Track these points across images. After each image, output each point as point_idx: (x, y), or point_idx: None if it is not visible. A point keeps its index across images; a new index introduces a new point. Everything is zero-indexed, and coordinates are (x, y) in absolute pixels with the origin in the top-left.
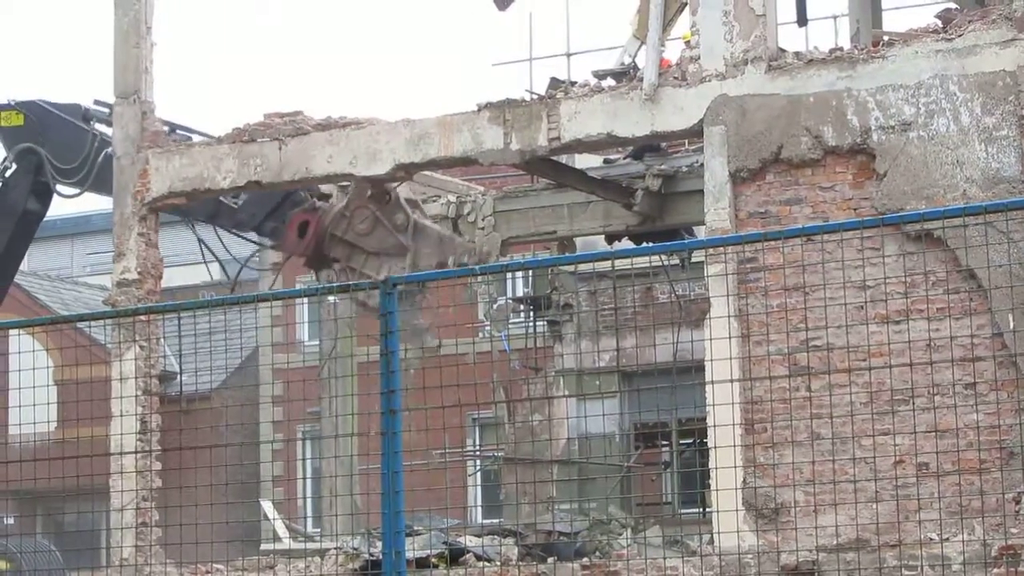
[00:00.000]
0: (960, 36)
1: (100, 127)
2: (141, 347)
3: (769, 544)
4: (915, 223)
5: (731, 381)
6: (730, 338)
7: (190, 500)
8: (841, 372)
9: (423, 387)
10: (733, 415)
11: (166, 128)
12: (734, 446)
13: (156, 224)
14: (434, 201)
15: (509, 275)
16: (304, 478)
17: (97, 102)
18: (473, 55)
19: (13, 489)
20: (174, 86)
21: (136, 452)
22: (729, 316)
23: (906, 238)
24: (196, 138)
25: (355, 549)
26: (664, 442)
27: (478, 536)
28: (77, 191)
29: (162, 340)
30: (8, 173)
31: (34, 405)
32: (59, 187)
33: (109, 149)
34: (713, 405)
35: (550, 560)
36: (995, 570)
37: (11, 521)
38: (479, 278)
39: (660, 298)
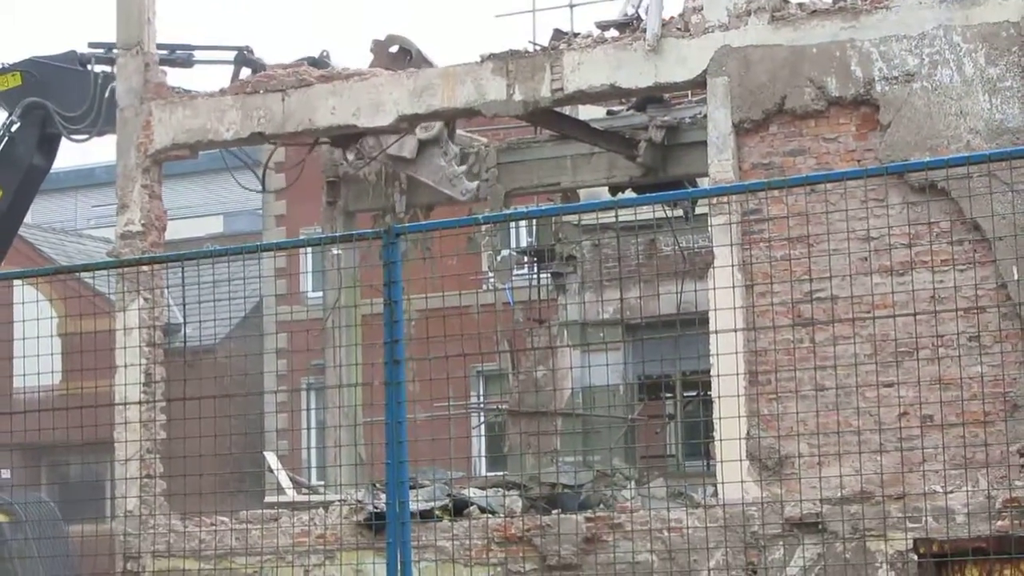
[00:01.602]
0: None
1: (100, 68)
2: (145, 299)
3: (773, 496)
4: (919, 172)
5: (735, 331)
6: (733, 287)
7: (194, 452)
8: (845, 323)
9: (427, 337)
10: (736, 365)
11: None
12: (737, 396)
13: (159, 176)
14: None
15: (513, 227)
16: (308, 428)
17: (92, 44)
18: (476, 6)
19: (17, 442)
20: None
21: (140, 403)
22: (733, 266)
23: (910, 189)
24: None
25: (359, 501)
26: (668, 394)
27: (482, 488)
28: (87, 136)
29: (166, 292)
30: (14, 128)
31: (38, 356)
32: (71, 136)
33: (113, 84)
34: (717, 355)
35: (554, 512)
36: (999, 522)
37: (7, 475)
38: (483, 228)
39: (664, 250)
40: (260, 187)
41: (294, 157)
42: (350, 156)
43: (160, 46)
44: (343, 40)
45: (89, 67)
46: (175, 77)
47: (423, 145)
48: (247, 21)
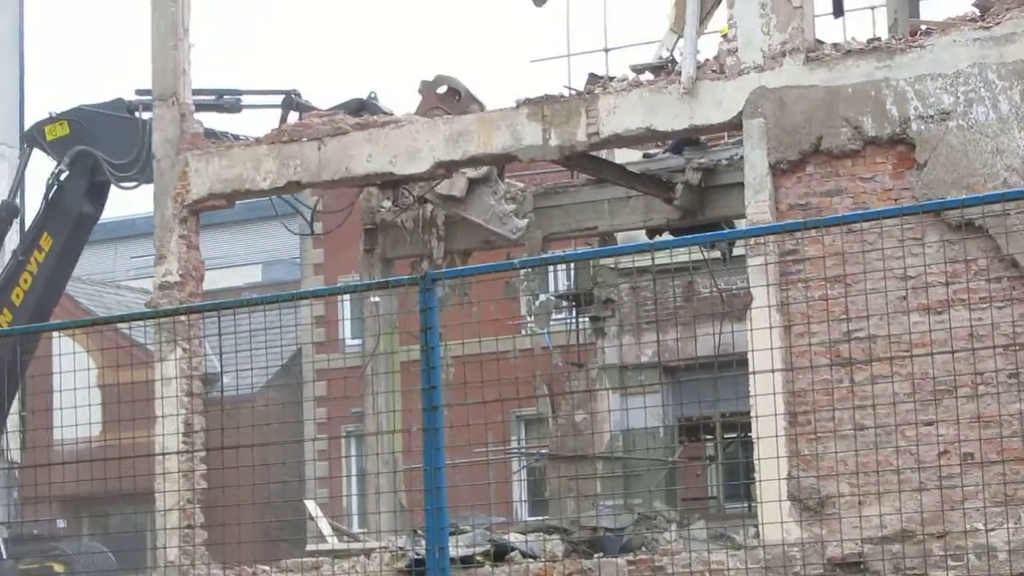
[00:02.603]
0: (998, 24)
1: (147, 115)
2: (183, 349)
3: (814, 536)
4: (955, 210)
5: (772, 371)
6: (771, 328)
7: (234, 501)
8: (884, 362)
9: (464, 382)
10: (775, 405)
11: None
12: (776, 436)
13: (197, 226)
14: None
15: (551, 272)
16: (348, 476)
17: (139, 91)
18: (511, 52)
19: (57, 494)
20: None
21: (178, 452)
22: (770, 306)
23: (947, 227)
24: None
25: (400, 548)
26: (708, 436)
27: (523, 533)
28: (136, 183)
29: (204, 342)
30: (63, 177)
31: (75, 407)
32: (120, 183)
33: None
34: (755, 395)
35: (596, 556)
36: None
37: (63, 524)
38: (521, 273)
39: (702, 292)
40: (310, 231)
41: (332, 205)
42: (387, 203)
43: (207, 91)
44: (389, 81)
45: (136, 114)
46: (222, 122)
47: (472, 184)
48: (295, 64)
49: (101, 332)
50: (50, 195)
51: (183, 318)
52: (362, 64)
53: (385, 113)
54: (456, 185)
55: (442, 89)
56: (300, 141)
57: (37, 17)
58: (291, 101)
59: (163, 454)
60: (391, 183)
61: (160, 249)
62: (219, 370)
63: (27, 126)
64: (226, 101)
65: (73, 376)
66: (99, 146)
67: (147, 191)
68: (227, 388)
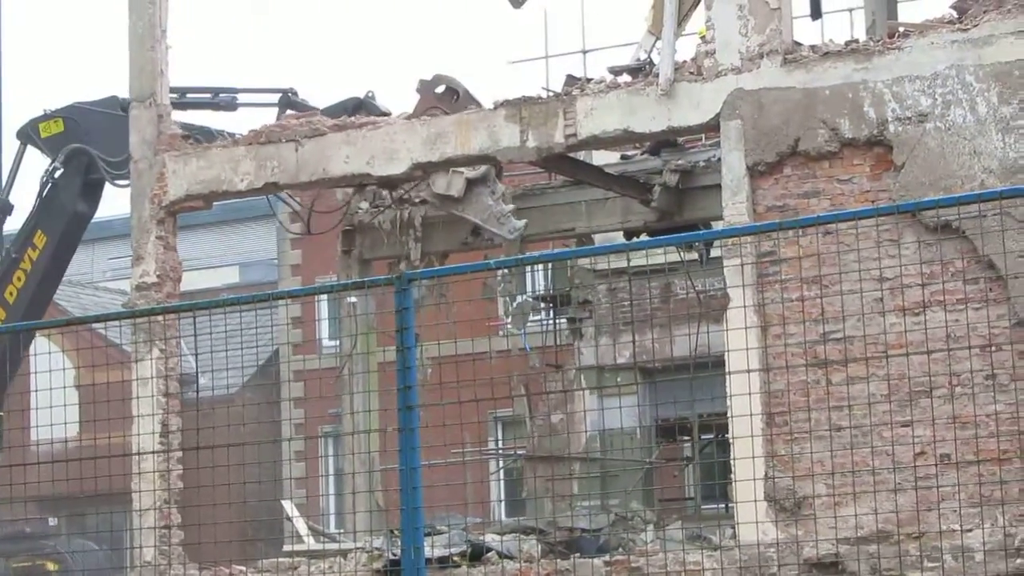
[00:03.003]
0: (976, 26)
1: None
2: (160, 349)
3: (791, 537)
4: (932, 212)
5: (748, 372)
6: (747, 329)
7: (211, 502)
8: (860, 363)
9: (439, 383)
10: (751, 405)
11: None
12: (752, 437)
13: (174, 227)
14: None
15: (528, 273)
16: (325, 476)
17: None
18: (489, 53)
19: (32, 494)
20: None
21: (154, 452)
22: (746, 307)
23: (924, 228)
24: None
25: (377, 549)
26: (685, 437)
27: (500, 534)
28: (130, 181)
29: (181, 342)
30: (57, 175)
31: (51, 407)
32: (115, 181)
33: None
34: (732, 396)
35: (573, 557)
36: (1018, 560)
37: (55, 522)
38: (498, 274)
39: (679, 293)
40: (306, 230)
41: (317, 206)
42: (364, 204)
43: (203, 89)
44: (385, 81)
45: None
46: (217, 121)
47: (470, 184)
48: (292, 63)
49: (77, 332)
50: (44, 193)
51: (159, 318)
52: (357, 64)
53: (383, 113)
54: (454, 185)
55: (440, 88)
56: (278, 142)
57: (15, 17)
58: (288, 100)
59: (139, 454)
60: (371, 184)
61: (137, 250)
62: (195, 371)
63: (3, 125)
64: (222, 99)
65: (49, 376)
66: (93, 144)
67: (116, 194)
68: (204, 389)
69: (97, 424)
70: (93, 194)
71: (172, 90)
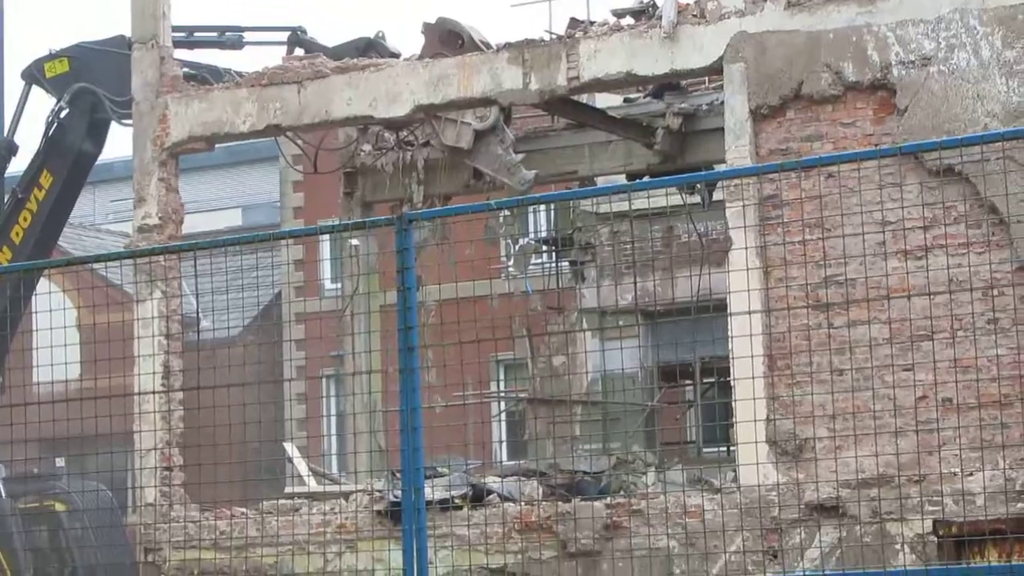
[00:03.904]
0: None
1: None
2: (162, 291)
3: (792, 480)
4: (934, 155)
5: (749, 313)
6: (748, 271)
7: (212, 443)
8: (862, 306)
9: (440, 323)
10: (752, 348)
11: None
12: (753, 379)
13: (176, 169)
14: None
15: (530, 215)
16: (327, 416)
17: None
18: None
19: (33, 436)
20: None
21: (154, 392)
22: (747, 248)
23: (926, 172)
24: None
25: (378, 490)
26: (687, 380)
27: (501, 476)
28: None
29: (183, 283)
30: (63, 115)
31: (51, 347)
32: (121, 120)
33: None
34: (732, 338)
35: (574, 500)
36: (1018, 504)
37: (61, 464)
38: (500, 216)
39: (681, 236)
40: (313, 169)
41: (314, 148)
42: (367, 146)
43: (209, 28)
44: (395, 21)
45: None
46: (224, 60)
47: (479, 135)
48: (295, 2)
49: (78, 273)
50: (50, 132)
51: (161, 259)
52: (372, 5)
53: (393, 54)
54: (463, 136)
55: (445, 33)
56: (280, 84)
57: None
58: (297, 38)
59: (140, 394)
60: (374, 125)
61: (140, 192)
62: (196, 311)
63: (4, 66)
64: (228, 38)
65: (50, 316)
66: (99, 83)
67: (119, 136)
68: (205, 330)
69: (98, 365)
70: (99, 134)
71: (178, 29)
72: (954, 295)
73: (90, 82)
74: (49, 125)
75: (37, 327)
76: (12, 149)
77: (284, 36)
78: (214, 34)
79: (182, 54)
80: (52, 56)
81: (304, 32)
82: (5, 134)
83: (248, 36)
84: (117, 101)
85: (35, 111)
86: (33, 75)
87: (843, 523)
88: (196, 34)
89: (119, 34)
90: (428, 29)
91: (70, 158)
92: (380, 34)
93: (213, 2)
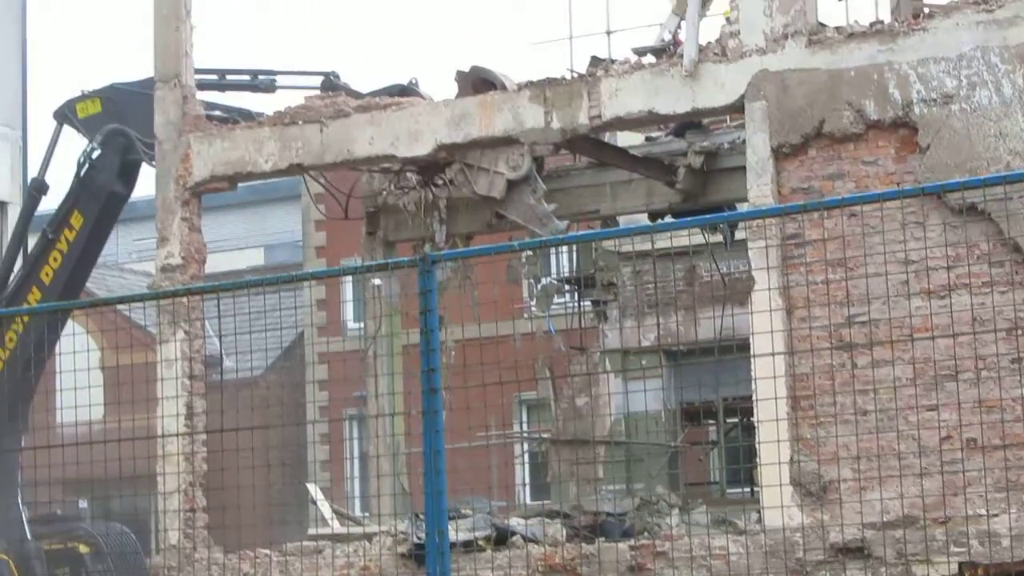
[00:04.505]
0: (1001, 7)
1: None
2: (185, 331)
3: (816, 522)
4: (957, 193)
5: (773, 355)
6: (771, 311)
7: (236, 484)
8: (885, 346)
9: (463, 364)
10: (776, 389)
11: (208, 110)
12: (777, 420)
13: (199, 209)
14: None
15: (553, 255)
16: (350, 458)
17: None
18: (512, 34)
19: (56, 477)
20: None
21: (178, 434)
22: (771, 290)
23: (949, 211)
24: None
25: (402, 532)
26: (710, 421)
27: (525, 517)
28: None
29: (206, 324)
30: (95, 155)
31: (75, 388)
32: (152, 162)
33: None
34: (756, 379)
35: (598, 541)
36: None
37: (85, 505)
38: (523, 256)
39: (704, 276)
40: (344, 215)
41: (340, 192)
42: (390, 185)
43: (242, 71)
44: (429, 68)
45: None
46: (256, 102)
47: (512, 185)
48: (335, 47)
49: (102, 313)
50: (81, 173)
51: (184, 300)
52: (399, 50)
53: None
54: (495, 186)
55: (477, 81)
56: (303, 123)
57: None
58: (330, 83)
59: (164, 436)
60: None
61: (162, 231)
62: (219, 352)
63: (28, 108)
64: (261, 82)
65: (74, 357)
66: (131, 124)
67: (150, 173)
68: (228, 371)
69: (122, 406)
70: (130, 175)
71: (210, 71)
72: (978, 335)
73: (122, 123)
74: (81, 166)
75: (61, 368)
76: (42, 189)
77: (317, 80)
78: (247, 77)
79: (214, 96)
80: (84, 96)
81: (337, 77)
82: (36, 174)
83: (281, 80)
84: (149, 143)
85: (65, 151)
86: (65, 115)
87: (868, 565)
88: (228, 76)
89: (151, 76)
90: (461, 77)
91: (101, 199)
92: (414, 81)
93: (248, 46)
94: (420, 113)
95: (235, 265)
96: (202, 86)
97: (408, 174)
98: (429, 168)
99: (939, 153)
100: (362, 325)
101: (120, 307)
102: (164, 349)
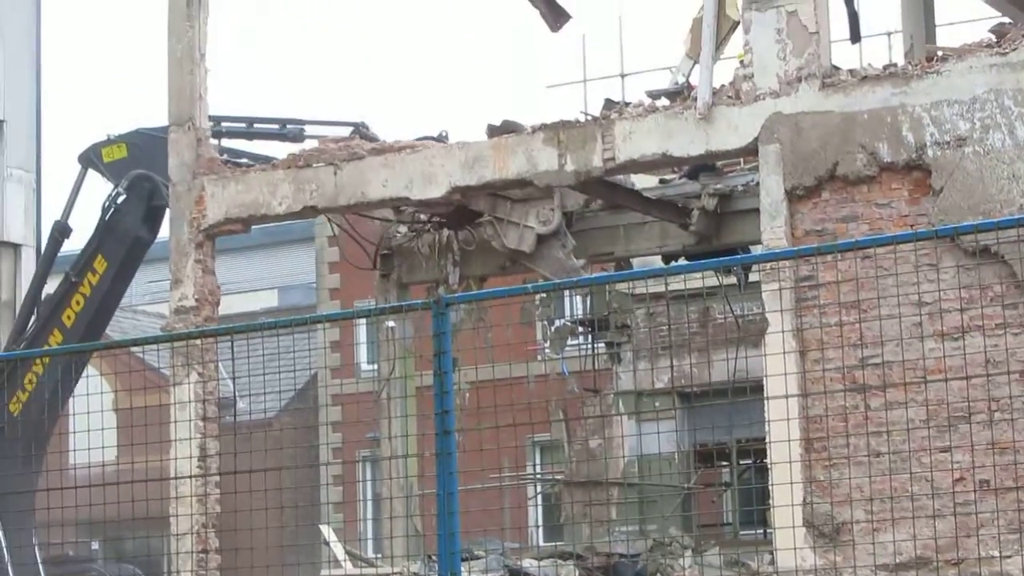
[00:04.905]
0: (1014, 50)
1: None
2: (198, 373)
3: (829, 563)
4: (970, 236)
5: (786, 397)
6: (784, 353)
7: (249, 526)
8: (899, 388)
9: (478, 407)
10: (789, 431)
11: (235, 158)
12: (791, 462)
13: (212, 251)
14: None
15: (566, 297)
16: (363, 500)
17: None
18: (527, 77)
19: (69, 518)
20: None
21: (191, 476)
22: (784, 332)
23: (962, 253)
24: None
25: (415, 574)
26: (723, 462)
27: (538, 559)
28: None
29: (219, 366)
30: (120, 200)
31: (88, 431)
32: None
33: (223, 157)
34: (769, 421)
35: None
36: None
37: (97, 546)
38: (536, 298)
39: (717, 318)
40: (372, 265)
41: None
42: (403, 228)
43: (270, 120)
44: (458, 120)
45: None
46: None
47: (542, 239)
48: (364, 98)
49: (116, 356)
50: (106, 217)
51: (198, 342)
52: (372, 89)
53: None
54: (525, 240)
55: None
56: (316, 166)
57: (54, 42)
58: (359, 134)
59: (177, 478)
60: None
61: (176, 274)
62: (233, 394)
63: (43, 152)
64: (289, 130)
65: (87, 400)
66: (157, 169)
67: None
68: (242, 413)
69: (135, 448)
70: (155, 221)
71: (239, 119)
72: (991, 376)
73: (148, 168)
74: (106, 210)
75: (74, 410)
76: (65, 232)
77: (346, 131)
78: (275, 126)
79: (242, 144)
80: (110, 141)
81: (367, 127)
82: (58, 216)
83: (309, 130)
84: None
85: (89, 196)
86: (90, 159)
87: None
88: (256, 125)
89: None
90: (492, 131)
91: (126, 244)
92: (443, 133)
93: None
94: (434, 156)
95: (249, 307)
96: (230, 134)
97: (421, 216)
98: (457, 219)
99: (952, 195)
100: (376, 367)
101: (134, 349)
102: (178, 391)
